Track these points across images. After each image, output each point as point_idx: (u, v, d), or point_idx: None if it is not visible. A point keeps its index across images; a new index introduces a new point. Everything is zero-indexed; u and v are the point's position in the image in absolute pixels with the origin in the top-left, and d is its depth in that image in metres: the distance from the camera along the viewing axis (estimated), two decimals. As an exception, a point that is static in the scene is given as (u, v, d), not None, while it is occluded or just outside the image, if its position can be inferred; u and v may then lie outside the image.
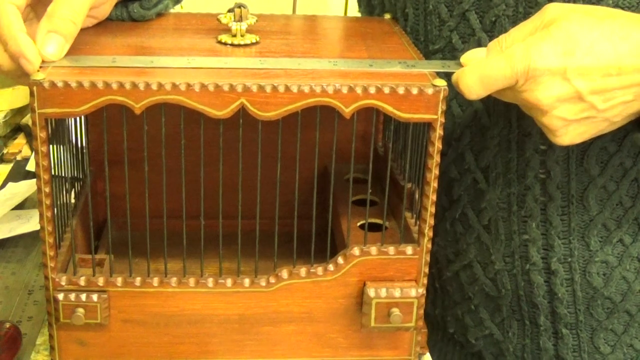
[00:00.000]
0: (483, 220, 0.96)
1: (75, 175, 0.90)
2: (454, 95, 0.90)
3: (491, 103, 0.90)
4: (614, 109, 0.77)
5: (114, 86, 0.73)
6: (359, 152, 0.92)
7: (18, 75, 0.80)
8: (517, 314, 0.98)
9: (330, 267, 0.80)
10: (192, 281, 0.80)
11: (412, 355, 0.84)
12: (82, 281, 0.78)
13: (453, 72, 0.80)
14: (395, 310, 0.80)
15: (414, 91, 0.75)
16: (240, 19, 0.85)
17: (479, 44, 0.89)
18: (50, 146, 0.76)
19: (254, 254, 0.80)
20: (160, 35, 0.88)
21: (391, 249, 0.80)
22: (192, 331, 0.81)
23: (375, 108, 0.76)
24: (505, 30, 0.82)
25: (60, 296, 0.78)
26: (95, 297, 0.78)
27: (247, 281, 0.80)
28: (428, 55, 0.94)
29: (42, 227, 0.77)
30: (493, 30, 0.88)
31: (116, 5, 0.91)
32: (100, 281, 0.79)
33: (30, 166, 1.32)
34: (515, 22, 0.86)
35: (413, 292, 0.80)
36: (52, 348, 0.81)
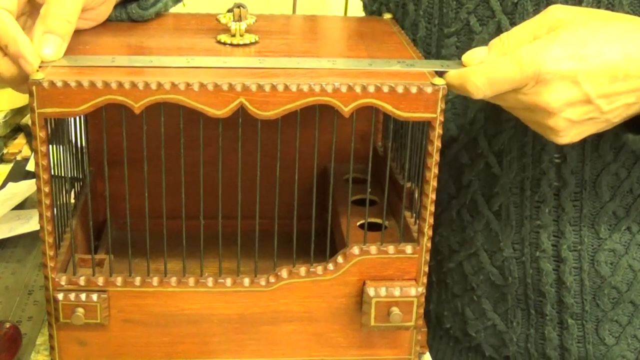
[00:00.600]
0: (493, 206, 0.96)
1: (75, 175, 0.90)
2: None
3: None
4: (617, 111, 0.78)
5: (113, 86, 0.73)
6: (359, 152, 0.92)
7: (18, 82, 0.80)
8: (523, 303, 0.98)
9: (330, 266, 0.80)
10: (191, 281, 0.80)
11: (412, 354, 0.84)
12: (82, 281, 0.78)
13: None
14: (395, 310, 0.80)
15: (413, 90, 0.75)
16: (240, 19, 0.85)
17: (498, 26, 0.89)
18: (50, 146, 0.76)
19: (253, 254, 0.80)
20: (159, 35, 0.88)
21: (391, 248, 0.80)
22: (192, 331, 0.81)
23: (374, 107, 0.76)
24: (527, 13, 0.83)
25: (60, 296, 0.78)
26: (95, 297, 0.78)
27: (246, 281, 0.80)
28: (442, 38, 0.93)
29: (42, 227, 0.77)
30: (514, 12, 0.88)
31: (115, 6, 0.91)
32: (100, 281, 0.79)
33: (30, 166, 1.32)
34: (538, 4, 0.86)
35: (413, 291, 0.80)
36: (52, 348, 0.81)
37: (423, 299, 0.81)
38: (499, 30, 0.89)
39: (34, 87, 0.73)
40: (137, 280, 0.79)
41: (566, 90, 0.75)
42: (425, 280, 0.81)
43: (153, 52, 0.83)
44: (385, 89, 0.75)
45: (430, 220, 0.79)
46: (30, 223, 1.12)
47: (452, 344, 1.07)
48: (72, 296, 0.78)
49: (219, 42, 0.85)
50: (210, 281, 0.80)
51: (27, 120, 1.46)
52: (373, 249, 0.80)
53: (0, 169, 1.32)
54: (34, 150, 0.75)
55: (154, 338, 0.81)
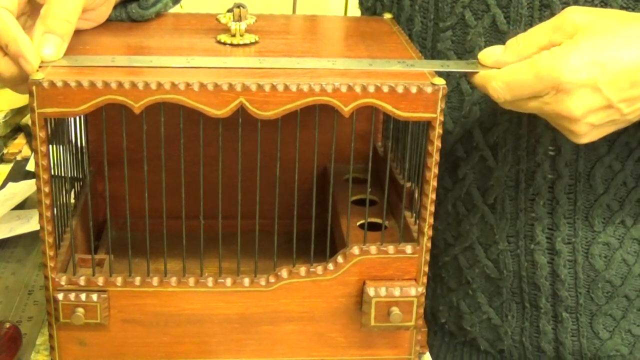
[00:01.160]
0: (489, 199, 0.96)
1: (75, 175, 0.90)
2: (464, 73, 0.91)
3: None
4: (636, 112, 0.79)
5: (113, 86, 0.73)
6: (359, 152, 0.92)
7: (18, 82, 0.80)
8: (518, 296, 0.98)
9: (330, 266, 0.80)
10: (191, 281, 0.80)
11: (412, 354, 0.84)
12: (82, 281, 0.78)
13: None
14: (395, 309, 0.80)
15: (413, 90, 0.75)
16: (240, 19, 0.85)
17: (493, 20, 0.90)
18: (50, 146, 0.76)
19: (253, 254, 0.80)
20: (159, 35, 0.88)
21: (391, 248, 0.80)
22: (192, 331, 0.81)
23: (374, 107, 0.76)
24: (521, 7, 0.83)
25: (60, 296, 0.78)
26: (95, 297, 0.78)
27: (246, 281, 0.80)
28: (438, 32, 0.94)
29: (42, 227, 0.77)
30: (509, 6, 0.89)
31: (115, 6, 0.91)
32: (100, 281, 0.79)
33: (30, 166, 1.32)
34: None
35: (413, 291, 0.80)
36: (52, 348, 0.81)
37: (423, 299, 0.81)
38: (494, 24, 0.90)
39: (34, 87, 0.73)
40: (137, 280, 0.79)
41: (588, 98, 0.76)
42: (425, 280, 0.81)
43: (153, 52, 0.83)
44: (385, 89, 0.75)
45: (430, 220, 0.79)
46: (30, 223, 1.12)
47: (447, 339, 1.08)
48: (72, 296, 0.78)
49: (218, 42, 0.85)
50: (210, 281, 0.80)
51: (27, 120, 1.46)
52: (373, 249, 0.80)
53: (0, 169, 1.32)
54: (34, 150, 0.75)
55: (153, 338, 0.81)
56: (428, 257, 0.81)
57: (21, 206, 1.18)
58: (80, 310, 0.78)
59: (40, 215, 0.77)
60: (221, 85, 0.74)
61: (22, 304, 0.96)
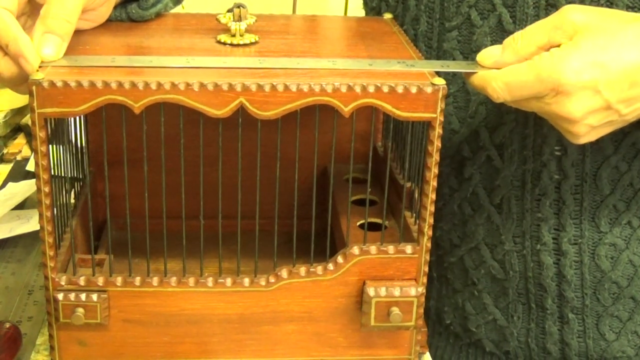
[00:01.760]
0: (495, 199, 0.96)
1: (75, 175, 0.90)
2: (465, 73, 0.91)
3: None
4: (635, 112, 0.79)
5: (113, 86, 0.73)
6: (359, 152, 0.92)
7: (18, 82, 0.80)
8: (524, 297, 0.98)
9: (330, 266, 0.80)
10: (191, 281, 0.80)
11: (412, 354, 0.84)
12: (81, 281, 0.78)
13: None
14: (395, 309, 0.80)
15: (413, 90, 0.75)
16: (240, 19, 0.85)
17: (499, 20, 0.90)
18: (50, 146, 0.76)
19: (253, 254, 0.80)
20: (159, 35, 0.88)
21: (391, 248, 0.80)
22: (192, 331, 0.81)
23: (374, 107, 0.76)
24: (527, 6, 0.83)
25: (60, 296, 0.78)
26: (95, 297, 0.78)
27: (246, 281, 0.80)
28: (444, 32, 0.94)
29: (41, 227, 0.77)
30: (515, 5, 0.89)
31: (115, 6, 0.91)
32: (100, 281, 0.79)
33: (30, 166, 1.32)
34: None
35: (413, 291, 0.80)
36: (52, 348, 0.81)
37: (423, 299, 0.81)
38: (499, 24, 0.90)
39: (34, 87, 0.73)
40: (137, 280, 0.79)
41: (588, 99, 0.76)
42: (425, 280, 0.81)
43: (153, 52, 0.83)
44: (385, 89, 0.75)
45: (430, 220, 0.79)
46: (30, 223, 1.12)
47: (452, 340, 1.08)
48: (72, 296, 0.78)
49: (218, 42, 0.85)
50: (210, 281, 0.80)
51: (27, 120, 1.46)
52: (373, 249, 0.80)
53: (0, 169, 1.32)
54: (34, 150, 0.75)
55: (153, 338, 0.81)
56: (428, 257, 0.81)
57: (21, 206, 1.18)
58: (80, 310, 0.78)
59: (40, 215, 0.77)
60: (221, 85, 0.74)
61: (22, 304, 0.96)
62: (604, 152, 0.91)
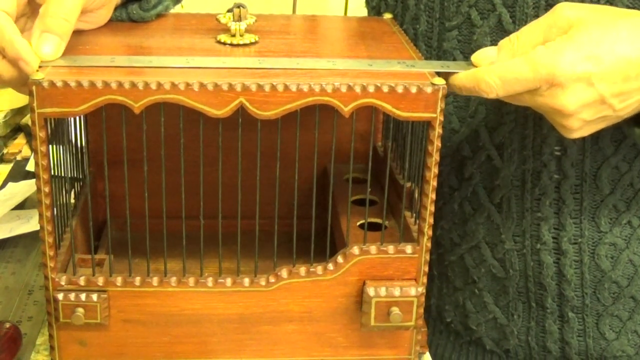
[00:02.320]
0: (495, 198, 0.96)
1: (75, 175, 0.90)
2: None
3: None
4: (629, 107, 0.79)
5: (113, 86, 0.73)
6: (359, 152, 0.92)
7: (19, 84, 0.80)
8: (524, 295, 0.98)
9: (330, 266, 0.80)
10: (191, 281, 0.80)
11: (412, 354, 0.84)
12: (81, 281, 0.78)
13: (453, 72, 0.80)
14: (395, 309, 0.80)
15: (413, 90, 0.75)
16: (240, 19, 0.85)
17: (499, 19, 0.90)
18: (50, 146, 0.76)
19: (253, 254, 0.80)
20: (159, 35, 0.88)
21: (391, 248, 0.80)
22: (192, 331, 0.81)
23: (374, 107, 0.76)
24: (527, 6, 0.83)
25: (60, 296, 0.78)
26: (95, 297, 0.78)
27: (246, 281, 0.80)
28: (443, 32, 0.94)
29: (41, 227, 0.77)
30: (515, 5, 0.89)
31: (116, 7, 0.91)
32: (100, 281, 0.79)
33: (30, 166, 1.32)
34: None
35: (413, 291, 0.80)
36: (52, 348, 0.81)
37: (423, 299, 0.81)
38: (499, 24, 0.90)
39: (34, 87, 0.73)
40: (137, 280, 0.79)
41: (581, 92, 0.76)
42: (425, 280, 0.81)
43: (153, 52, 0.83)
44: (385, 89, 0.75)
45: (430, 220, 0.79)
46: (30, 223, 1.12)
47: (453, 339, 1.08)
48: (72, 296, 0.78)
49: (218, 42, 0.85)
50: (210, 281, 0.80)
51: (27, 120, 1.46)
52: (373, 249, 0.80)
53: (0, 169, 1.32)
54: (34, 150, 0.75)
55: (154, 338, 0.81)
56: (428, 257, 0.81)
57: (21, 206, 1.18)
58: (80, 310, 0.78)
59: (40, 215, 0.77)
60: (221, 85, 0.74)
61: (22, 304, 0.96)
62: (603, 152, 0.91)
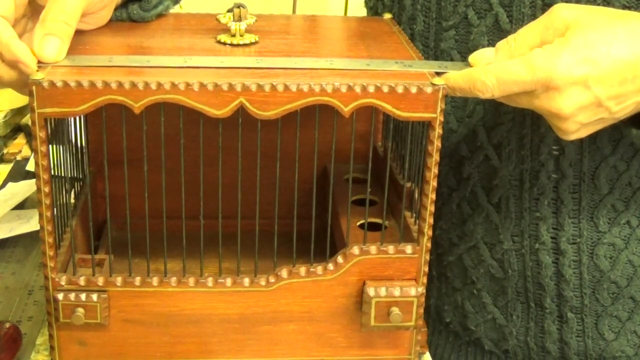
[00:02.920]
0: (493, 198, 0.96)
1: (75, 175, 0.90)
2: None
3: None
4: (625, 110, 0.79)
5: (113, 86, 0.73)
6: (359, 152, 0.92)
7: (20, 85, 0.80)
8: (523, 296, 0.98)
9: (330, 266, 0.80)
10: (191, 281, 0.80)
11: (412, 354, 0.84)
12: (81, 281, 0.78)
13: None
14: (395, 309, 0.80)
15: (413, 90, 0.75)
16: (240, 19, 0.85)
17: (496, 19, 0.90)
18: (50, 146, 0.76)
19: (253, 254, 0.80)
20: (159, 35, 0.88)
21: (391, 248, 0.80)
22: (192, 331, 0.81)
23: (374, 107, 0.76)
24: (524, 6, 0.83)
25: (60, 296, 0.78)
26: (95, 297, 0.78)
27: (246, 281, 0.80)
28: (440, 32, 0.94)
29: (41, 227, 0.77)
30: (512, 5, 0.89)
31: (116, 7, 0.91)
32: (100, 281, 0.79)
33: (30, 166, 1.32)
34: None
35: (413, 291, 0.80)
36: (52, 348, 0.81)
37: (423, 299, 0.81)
38: (496, 23, 0.90)
39: (33, 87, 0.73)
40: (137, 280, 0.79)
41: (578, 95, 0.76)
42: (425, 280, 0.81)
43: (153, 52, 0.83)
44: (385, 89, 0.75)
45: (430, 220, 0.79)
46: (30, 223, 1.12)
47: (452, 339, 1.08)
48: (72, 296, 0.78)
49: (218, 42, 0.85)
50: (210, 281, 0.80)
51: (27, 120, 1.46)
52: (373, 249, 0.80)
53: (0, 169, 1.32)
54: (34, 150, 0.75)
55: (154, 338, 0.81)
56: (428, 257, 0.81)
57: (21, 206, 1.18)
58: (80, 310, 0.78)
59: (40, 215, 0.77)
60: (221, 85, 0.74)
61: (22, 304, 0.96)
62: (602, 151, 0.91)
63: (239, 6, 0.85)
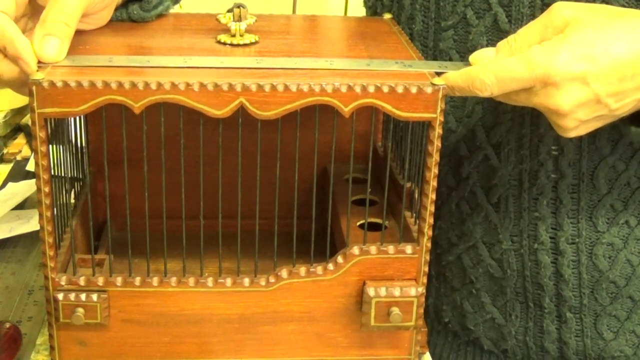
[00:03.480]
0: (492, 198, 0.96)
1: (75, 175, 0.90)
2: None
3: None
4: (625, 107, 0.79)
5: (113, 86, 0.73)
6: (359, 152, 0.92)
7: (19, 84, 0.80)
8: (521, 296, 0.98)
9: (330, 266, 0.80)
10: (191, 281, 0.80)
11: (412, 354, 0.84)
12: (81, 281, 0.78)
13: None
14: (395, 310, 0.80)
15: (413, 90, 0.75)
16: (240, 19, 0.85)
17: (495, 19, 0.90)
18: (50, 146, 0.76)
19: (253, 254, 0.80)
20: (159, 35, 0.88)
21: (391, 248, 0.80)
22: (192, 331, 0.81)
23: (374, 107, 0.76)
24: (523, 5, 0.83)
25: (60, 296, 0.78)
26: (95, 297, 0.78)
27: (246, 281, 0.80)
28: (439, 32, 0.94)
29: (41, 227, 0.77)
30: (510, 5, 0.89)
31: (116, 7, 0.91)
32: (100, 281, 0.79)
33: (30, 166, 1.32)
34: None
35: (413, 291, 0.80)
36: (52, 348, 0.81)
37: (423, 299, 0.81)
38: (495, 23, 0.90)
39: (34, 87, 0.73)
40: (137, 280, 0.79)
41: (576, 92, 0.76)
42: (425, 280, 0.82)
43: (153, 52, 0.83)
44: (385, 89, 0.75)
45: (430, 220, 0.79)
46: (30, 223, 1.12)
47: (451, 339, 1.08)
48: (72, 296, 0.78)
49: (218, 42, 0.85)
50: (210, 281, 0.80)
51: (27, 120, 1.46)
52: (373, 249, 0.80)
53: (0, 169, 1.32)
54: (34, 150, 0.75)
55: (154, 338, 0.81)
56: (428, 257, 0.81)
57: (21, 206, 1.18)
58: (80, 310, 0.78)
59: (40, 215, 0.77)
60: (221, 85, 0.74)
61: (22, 304, 0.96)
62: (601, 151, 0.91)
63: (239, 6, 0.85)
